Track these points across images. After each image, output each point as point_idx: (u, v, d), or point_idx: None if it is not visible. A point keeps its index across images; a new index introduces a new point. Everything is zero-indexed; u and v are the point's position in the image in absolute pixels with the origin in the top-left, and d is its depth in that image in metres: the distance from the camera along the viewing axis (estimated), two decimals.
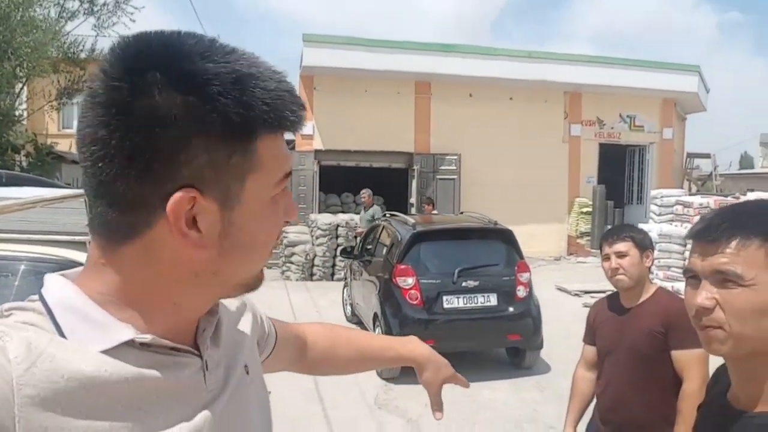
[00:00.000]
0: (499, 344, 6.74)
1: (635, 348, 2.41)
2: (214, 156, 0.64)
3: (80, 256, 2.75)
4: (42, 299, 0.68)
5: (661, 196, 11.05)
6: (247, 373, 0.85)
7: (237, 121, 0.64)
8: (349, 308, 8.87)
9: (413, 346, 1.31)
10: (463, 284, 6.25)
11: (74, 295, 0.68)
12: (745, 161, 46.74)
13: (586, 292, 10.96)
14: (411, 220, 7.31)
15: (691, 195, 11.74)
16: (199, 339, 0.76)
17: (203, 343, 0.76)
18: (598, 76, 16.72)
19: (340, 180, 16.43)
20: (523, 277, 6.49)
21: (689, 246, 1.21)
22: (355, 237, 11.73)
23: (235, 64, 0.65)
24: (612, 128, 18.12)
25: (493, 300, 6.31)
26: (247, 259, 0.72)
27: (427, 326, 6.18)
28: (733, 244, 1.08)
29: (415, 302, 6.16)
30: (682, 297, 2.43)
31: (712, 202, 10.54)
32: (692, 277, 1.15)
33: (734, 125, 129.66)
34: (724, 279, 1.08)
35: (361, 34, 16.31)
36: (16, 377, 0.58)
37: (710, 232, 1.12)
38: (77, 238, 2.85)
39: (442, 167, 15.90)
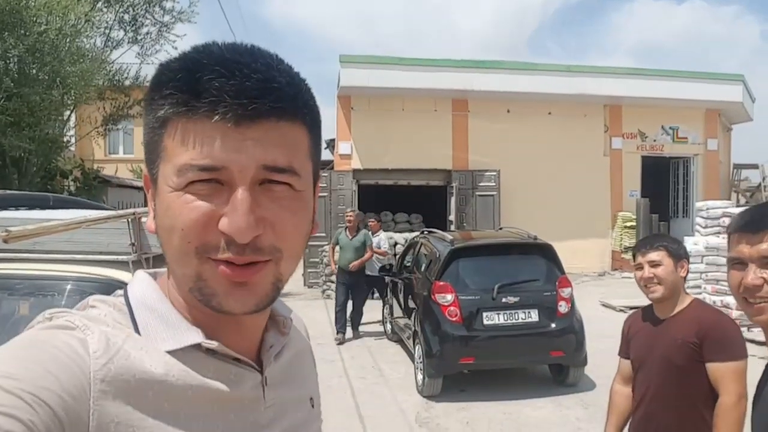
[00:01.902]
0: (542, 361, 6.61)
1: (668, 358, 2.35)
2: (147, 135, 0.70)
3: (124, 276, 2.82)
4: (125, 294, 0.74)
5: (707, 208, 10.76)
6: (313, 406, 0.86)
7: (150, 101, 0.68)
8: (389, 326, 8.85)
9: None
10: (503, 300, 6.17)
11: (151, 292, 0.74)
12: None
13: (632, 308, 10.69)
14: (449, 236, 7.27)
15: (738, 207, 11.41)
16: (263, 354, 0.78)
17: (267, 358, 0.77)
18: (638, 88, 16.44)
19: (379, 199, 16.48)
20: (565, 292, 6.38)
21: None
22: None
23: (188, 55, 0.67)
24: (654, 140, 17.76)
25: (534, 316, 6.21)
26: (166, 248, 0.69)
27: (467, 343, 6.12)
28: None
29: (454, 319, 6.10)
30: (719, 308, 2.41)
31: None
32: (738, 263, 1.41)
33: None
34: None
35: (397, 55, 16.40)
36: (94, 371, 0.62)
37: (754, 225, 1.39)
38: (121, 258, 2.93)
39: (481, 184, 15.80)
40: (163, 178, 0.67)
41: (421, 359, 6.27)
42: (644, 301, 2.60)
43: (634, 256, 2.52)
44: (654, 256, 2.41)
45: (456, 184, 15.59)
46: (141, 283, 0.75)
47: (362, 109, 15.94)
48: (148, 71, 14.25)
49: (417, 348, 6.51)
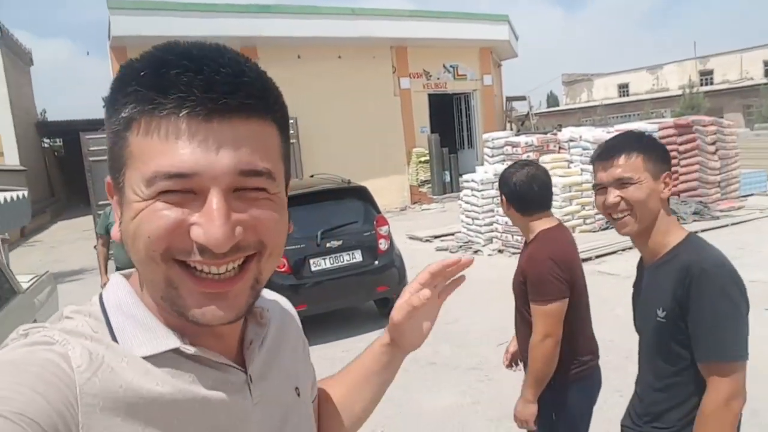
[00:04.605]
0: (369, 297, 6.88)
1: (514, 293, 2.51)
2: (110, 140, 0.66)
3: None
4: (101, 300, 0.71)
5: (492, 139, 11.77)
6: (299, 395, 0.85)
7: (112, 103, 0.64)
8: None
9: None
10: (327, 245, 6.28)
11: (126, 297, 0.71)
12: (552, 100, 51.27)
13: (436, 237, 11.50)
14: None
15: (517, 136, 12.63)
16: (245, 352, 0.77)
17: (249, 355, 0.77)
18: (419, 30, 17.26)
19: None
20: (383, 230, 6.65)
21: None
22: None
23: (157, 51, 0.64)
24: (438, 79, 18.89)
25: (358, 256, 6.41)
26: (133, 255, 0.65)
27: (298, 291, 6.15)
28: (622, 158, 1.69)
29: (282, 270, 6.09)
30: (557, 243, 2.37)
31: (535, 140, 11.43)
32: (600, 188, 1.74)
33: (540, 68, 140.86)
34: (621, 183, 1.68)
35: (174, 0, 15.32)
36: (80, 385, 0.60)
37: (606, 153, 1.73)
38: None
39: None
40: (131, 187, 0.63)
41: None
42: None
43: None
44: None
45: None
46: (115, 288, 0.72)
47: None
48: None
49: None
